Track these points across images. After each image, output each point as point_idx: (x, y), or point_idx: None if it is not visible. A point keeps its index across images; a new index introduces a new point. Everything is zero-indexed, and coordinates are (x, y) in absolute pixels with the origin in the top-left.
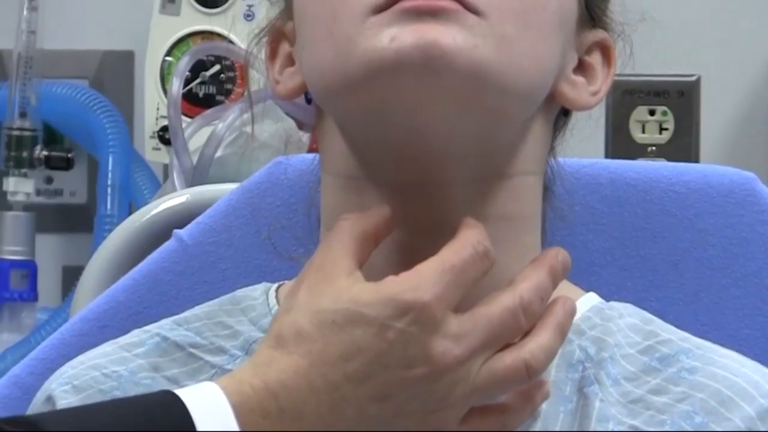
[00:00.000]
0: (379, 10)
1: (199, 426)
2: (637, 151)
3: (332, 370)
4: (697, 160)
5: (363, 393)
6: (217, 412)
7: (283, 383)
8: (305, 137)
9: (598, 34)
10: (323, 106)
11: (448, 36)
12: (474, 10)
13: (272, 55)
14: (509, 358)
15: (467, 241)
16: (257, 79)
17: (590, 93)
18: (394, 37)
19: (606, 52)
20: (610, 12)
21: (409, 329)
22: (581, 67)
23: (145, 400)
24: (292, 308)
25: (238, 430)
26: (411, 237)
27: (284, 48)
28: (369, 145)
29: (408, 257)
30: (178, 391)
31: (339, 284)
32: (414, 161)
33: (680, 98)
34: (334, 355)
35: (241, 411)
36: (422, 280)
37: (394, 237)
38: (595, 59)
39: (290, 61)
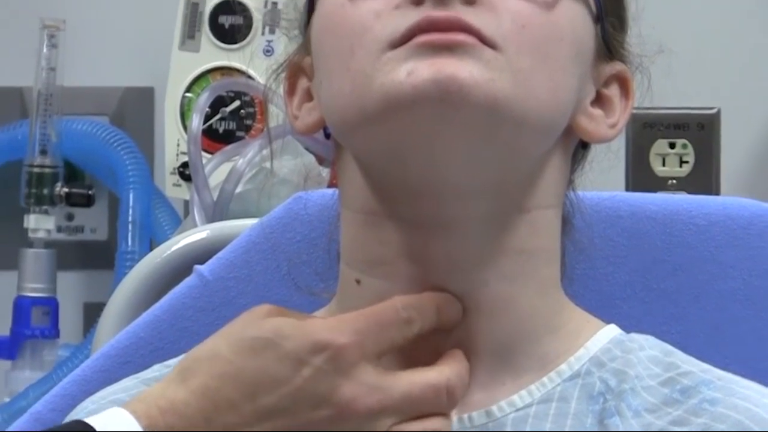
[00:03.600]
0: (396, 44)
1: None
2: (657, 184)
3: (241, 398)
4: (717, 193)
5: (268, 429)
6: None
7: (188, 403)
8: (325, 172)
9: (616, 67)
10: (341, 141)
11: (465, 70)
12: (490, 44)
13: (290, 90)
14: (422, 426)
15: (394, 306)
16: (276, 114)
17: (608, 125)
18: (411, 71)
19: (624, 84)
20: (628, 44)
21: (323, 367)
22: (599, 100)
23: None
24: (214, 336)
25: None
26: (428, 273)
27: (302, 83)
28: (387, 180)
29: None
30: (90, 420)
31: (262, 317)
32: (432, 196)
33: (700, 131)
34: (245, 381)
35: None
36: (343, 325)
37: (411, 273)
38: (613, 92)
39: (308, 96)
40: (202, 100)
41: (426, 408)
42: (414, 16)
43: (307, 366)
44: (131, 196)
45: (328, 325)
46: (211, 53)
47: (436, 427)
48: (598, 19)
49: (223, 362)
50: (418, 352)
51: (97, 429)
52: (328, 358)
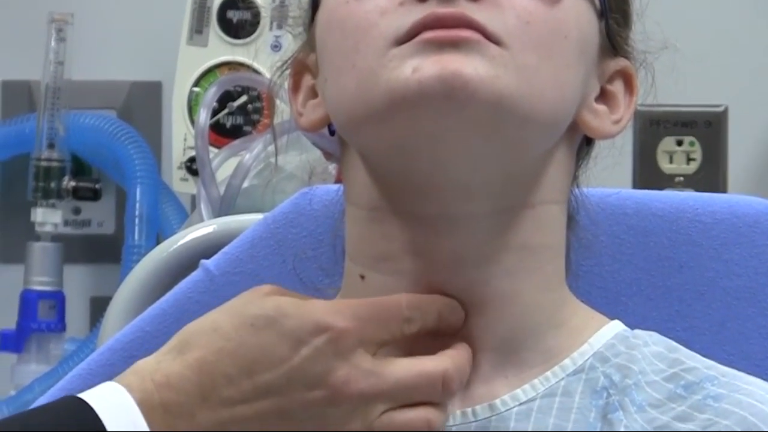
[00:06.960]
0: (401, 41)
1: (108, 426)
2: (664, 181)
3: (239, 374)
4: (725, 191)
5: (264, 407)
6: (123, 411)
7: (184, 377)
8: (332, 168)
9: (620, 63)
10: (346, 138)
11: (470, 66)
12: (495, 41)
13: (295, 87)
14: (413, 414)
15: (399, 302)
16: (283, 110)
17: (612, 121)
18: (416, 68)
19: (628, 80)
20: (632, 41)
21: (322, 348)
22: (603, 96)
23: (52, 408)
24: (215, 311)
25: (145, 426)
26: (432, 269)
27: (307, 80)
28: (391, 177)
29: (428, 290)
30: (83, 395)
31: (264, 296)
32: (436, 192)
33: (707, 129)
34: (244, 357)
35: (144, 407)
36: (345, 309)
37: (415, 269)
38: (617, 88)
39: (313, 93)
40: (210, 95)
41: (418, 396)
42: (419, 12)
43: (306, 346)
44: (138, 190)
45: (330, 308)
46: (219, 48)
47: (426, 416)
48: (602, 15)
49: (222, 337)
50: (423, 347)
51: (90, 403)
52: (327, 340)
